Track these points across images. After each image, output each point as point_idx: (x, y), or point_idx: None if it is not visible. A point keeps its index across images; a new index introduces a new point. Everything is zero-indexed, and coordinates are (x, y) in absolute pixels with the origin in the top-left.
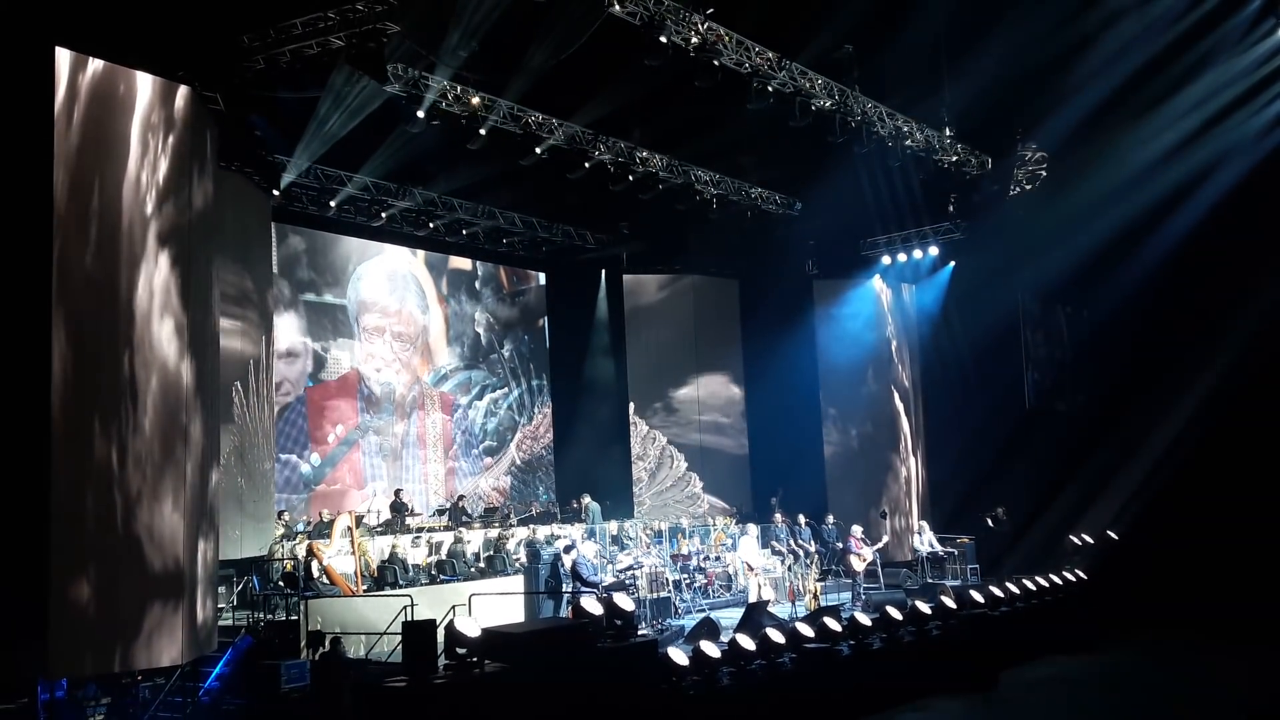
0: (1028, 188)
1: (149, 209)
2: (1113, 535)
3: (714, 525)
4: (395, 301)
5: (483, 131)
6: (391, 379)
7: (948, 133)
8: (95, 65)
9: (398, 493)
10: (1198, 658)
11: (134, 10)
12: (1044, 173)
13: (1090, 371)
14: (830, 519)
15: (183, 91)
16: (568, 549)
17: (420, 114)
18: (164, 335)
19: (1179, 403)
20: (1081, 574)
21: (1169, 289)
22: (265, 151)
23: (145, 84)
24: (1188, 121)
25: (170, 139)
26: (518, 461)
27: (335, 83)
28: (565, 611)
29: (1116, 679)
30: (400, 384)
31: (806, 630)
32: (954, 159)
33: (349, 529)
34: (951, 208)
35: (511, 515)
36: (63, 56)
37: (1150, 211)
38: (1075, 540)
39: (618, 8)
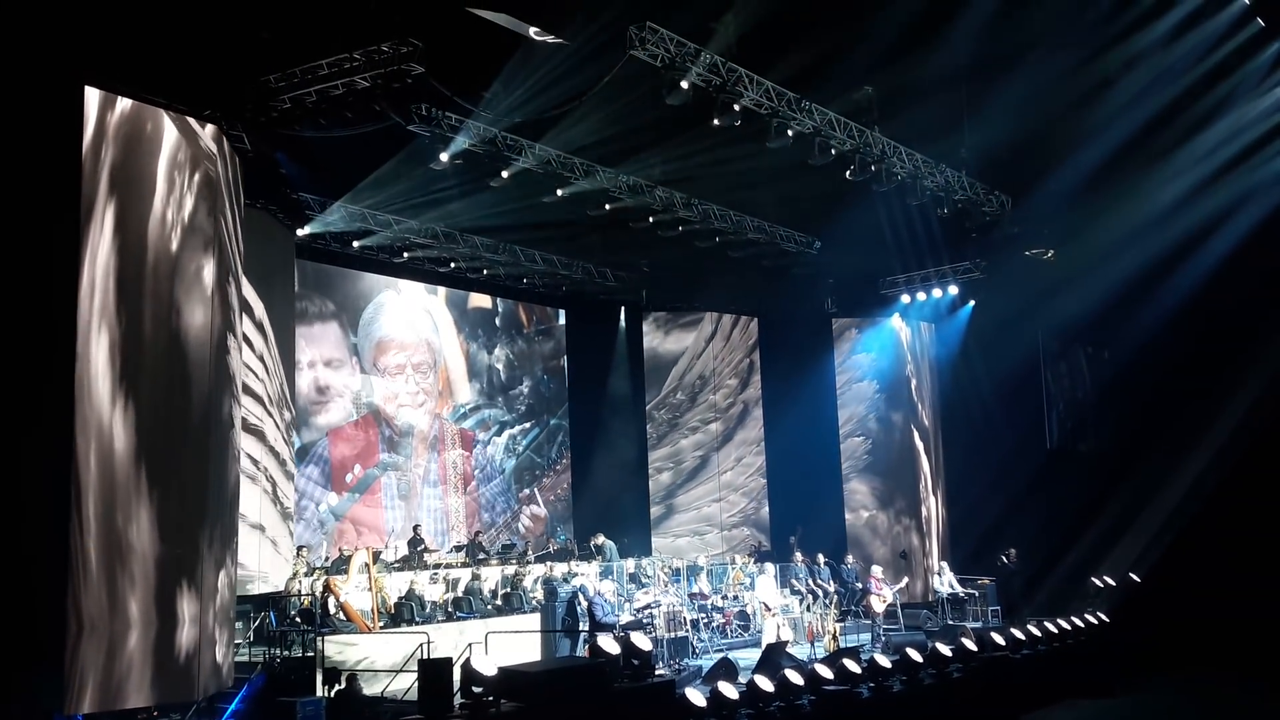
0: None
1: (174, 246)
2: (1135, 577)
3: (731, 564)
4: (413, 337)
5: (505, 174)
6: (412, 416)
7: (966, 173)
8: (123, 104)
9: (416, 529)
10: (1221, 702)
11: (162, 50)
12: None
13: (1112, 412)
14: (849, 559)
15: (209, 130)
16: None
17: (444, 156)
18: (189, 364)
19: (1201, 443)
20: (1104, 616)
21: (1191, 329)
22: (289, 189)
23: (172, 122)
24: (1208, 163)
25: (196, 177)
26: (550, 500)
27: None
28: (582, 650)
29: None
30: (421, 421)
31: (825, 672)
32: (974, 199)
33: (366, 565)
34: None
35: (529, 552)
36: (91, 95)
37: (1171, 252)
38: (1097, 582)
39: (639, 49)
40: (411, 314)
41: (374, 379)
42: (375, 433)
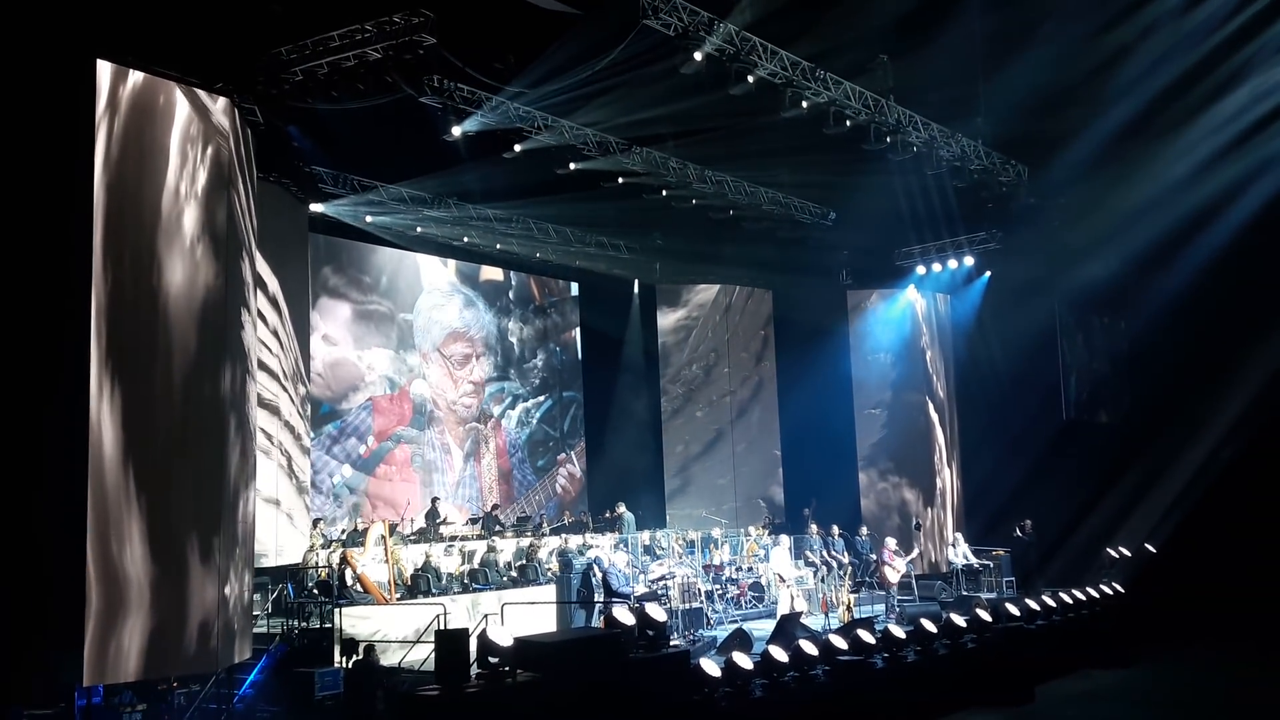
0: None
1: (187, 219)
2: (1150, 548)
3: (746, 536)
4: (480, 331)
5: (518, 148)
6: (452, 394)
7: (983, 143)
8: (135, 77)
9: (434, 501)
10: (1235, 673)
11: (173, 23)
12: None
13: (1128, 382)
14: (864, 530)
15: (221, 103)
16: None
17: (457, 130)
18: (204, 341)
19: (1218, 414)
20: (1119, 587)
21: (1207, 299)
22: (302, 162)
23: (184, 96)
24: (1226, 131)
25: (209, 150)
26: (576, 473)
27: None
28: (597, 621)
29: (1153, 694)
30: (461, 399)
31: (840, 642)
32: (990, 169)
33: (383, 537)
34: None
35: (544, 524)
36: (104, 69)
37: (1188, 221)
38: (1112, 553)
39: (653, 18)
40: (474, 304)
41: (432, 363)
42: (405, 408)
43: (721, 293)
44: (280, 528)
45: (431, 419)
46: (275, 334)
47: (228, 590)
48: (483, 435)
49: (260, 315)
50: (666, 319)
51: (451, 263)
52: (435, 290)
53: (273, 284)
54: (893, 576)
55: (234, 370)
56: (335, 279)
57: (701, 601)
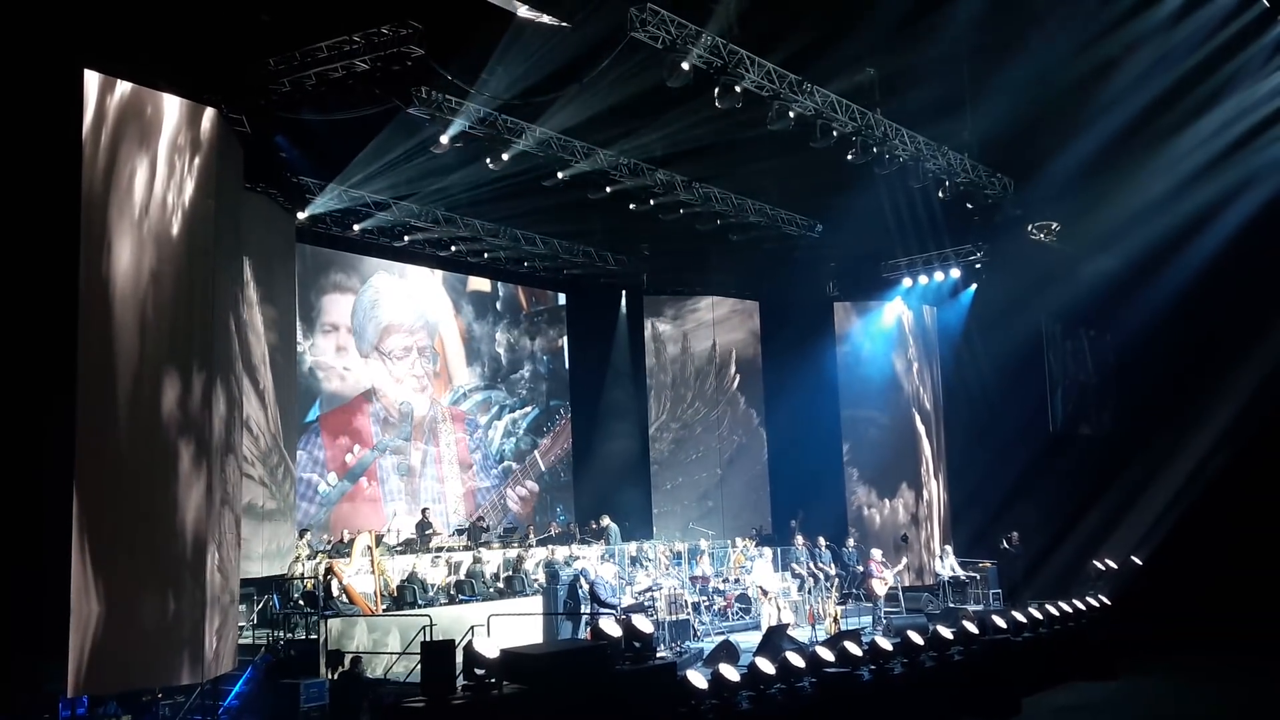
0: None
1: (175, 230)
2: (1137, 560)
3: (732, 547)
4: (417, 321)
5: (505, 157)
6: (409, 398)
7: (969, 156)
8: (123, 87)
9: (424, 512)
10: (1221, 684)
11: (161, 33)
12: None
13: (1114, 395)
14: (850, 542)
15: (209, 113)
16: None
17: (444, 139)
18: (188, 353)
19: (1204, 426)
20: (1105, 599)
21: (1194, 312)
22: (290, 173)
23: (172, 106)
24: (1212, 145)
25: (196, 160)
26: (541, 469)
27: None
28: (584, 633)
29: (1140, 706)
30: (418, 403)
31: (827, 654)
32: (976, 181)
33: (369, 548)
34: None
35: (530, 536)
36: (91, 79)
37: (1174, 235)
38: (1099, 565)
39: (640, 31)
40: (414, 297)
41: (375, 362)
42: (369, 416)
43: (708, 303)
44: (265, 539)
45: (410, 425)
46: (261, 342)
47: (212, 600)
48: (449, 441)
49: (245, 323)
50: (653, 329)
51: (439, 272)
52: (371, 287)
53: (258, 293)
54: (879, 588)
55: (218, 386)
56: (337, 275)
57: (688, 613)
